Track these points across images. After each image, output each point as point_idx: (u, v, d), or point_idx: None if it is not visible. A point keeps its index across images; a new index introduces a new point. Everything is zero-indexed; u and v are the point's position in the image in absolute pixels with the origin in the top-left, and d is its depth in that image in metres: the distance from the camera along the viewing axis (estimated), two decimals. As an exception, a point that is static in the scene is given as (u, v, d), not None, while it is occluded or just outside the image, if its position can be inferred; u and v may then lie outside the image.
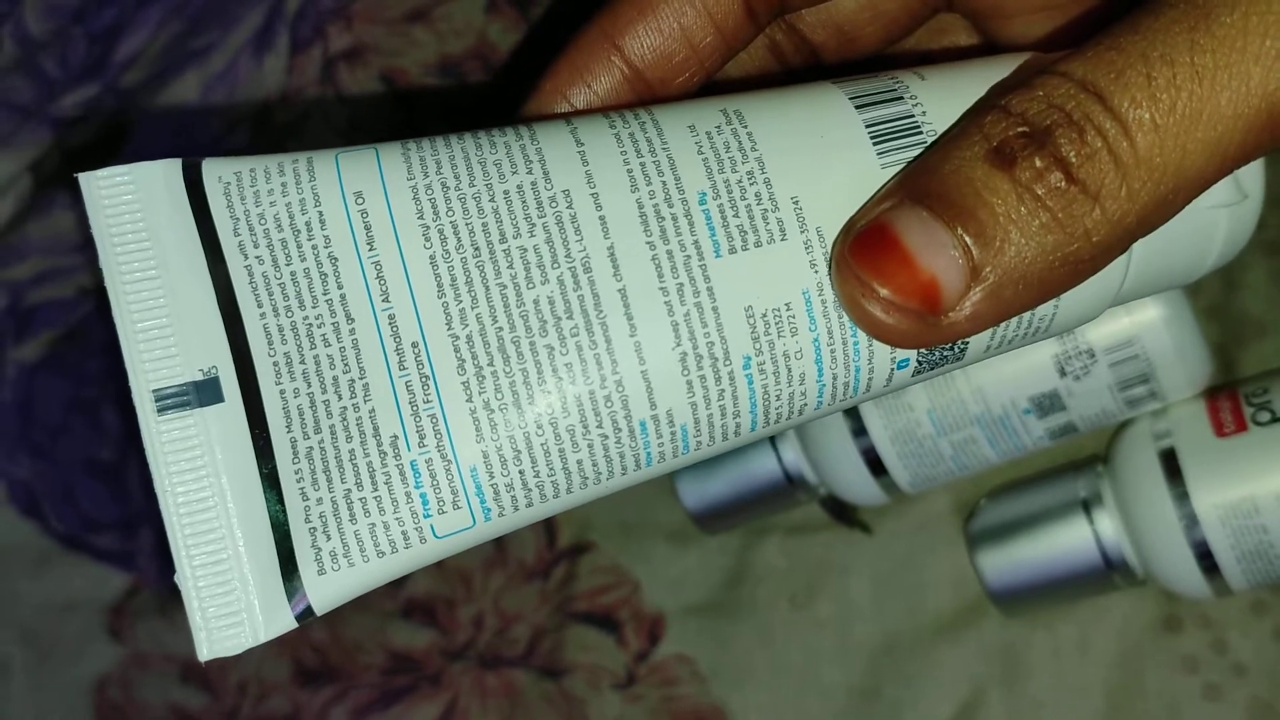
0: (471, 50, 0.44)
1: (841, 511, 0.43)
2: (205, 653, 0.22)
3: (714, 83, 0.27)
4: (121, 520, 0.46)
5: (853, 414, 0.38)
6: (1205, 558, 0.36)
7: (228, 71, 0.45)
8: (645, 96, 0.26)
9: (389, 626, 0.45)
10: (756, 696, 0.43)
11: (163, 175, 0.23)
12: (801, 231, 0.23)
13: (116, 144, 0.45)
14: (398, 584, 0.45)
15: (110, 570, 0.46)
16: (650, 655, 0.43)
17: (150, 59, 0.45)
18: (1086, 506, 0.38)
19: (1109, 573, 0.38)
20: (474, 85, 0.44)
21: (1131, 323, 0.36)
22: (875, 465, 0.39)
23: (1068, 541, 0.38)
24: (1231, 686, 0.39)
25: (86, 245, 0.45)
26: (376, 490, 0.22)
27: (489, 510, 0.23)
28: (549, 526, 0.44)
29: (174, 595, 0.45)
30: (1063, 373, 0.36)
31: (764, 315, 0.23)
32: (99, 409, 0.46)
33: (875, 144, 0.23)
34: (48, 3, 0.45)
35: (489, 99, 0.44)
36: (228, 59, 0.45)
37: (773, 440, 0.41)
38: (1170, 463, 0.36)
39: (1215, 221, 0.26)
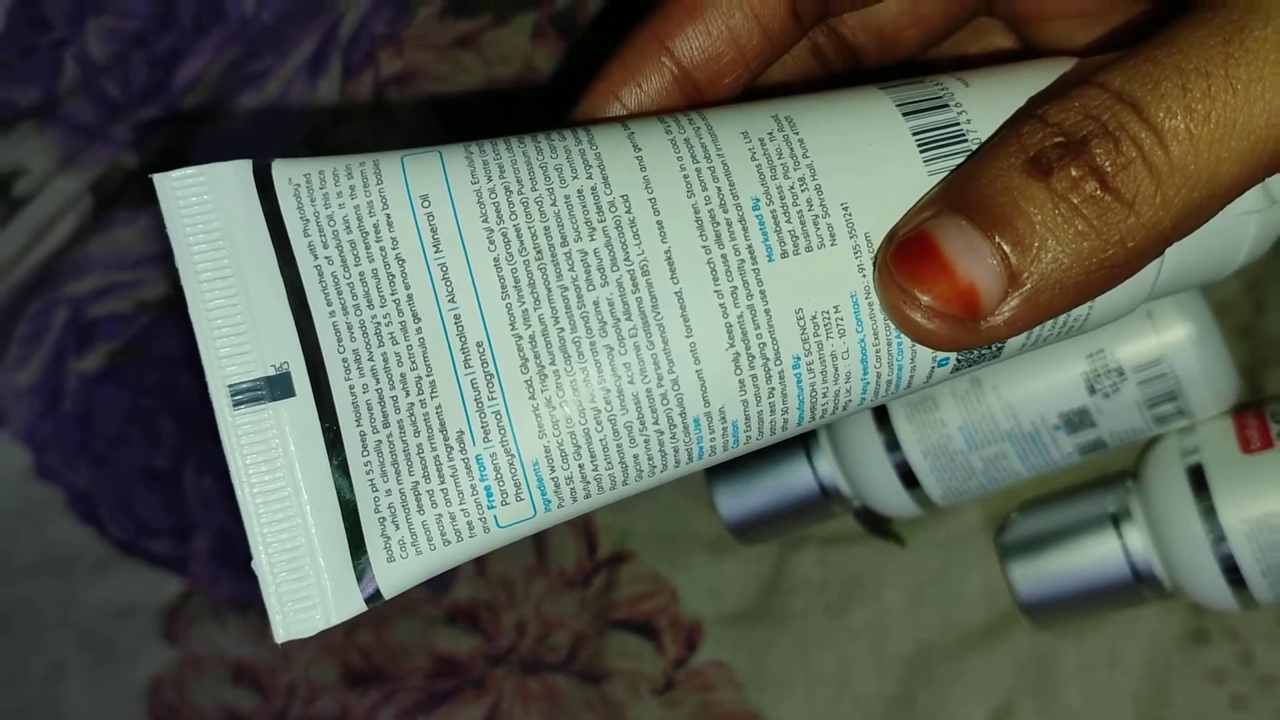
0: (518, 76, 0.46)
1: (876, 523, 0.44)
2: (281, 634, 0.23)
3: (758, 85, 0.28)
4: (176, 526, 0.47)
5: (886, 428, 0.39)
6: (1232, 571, 0.36)
7: (282, 95, 0.46)
8: (694, 97, 0.27)
9: (434, 631, 0.46)
10: (792, 703, 0.44)
11: (234, 176, 0.23)
12: (851, 237, 0.24)
13: (175, 164, 0.46)
14: (442, 590, 0.46)
15: (165, 575, 0.47)
16: (688, 662, 0.44)
17: (208, 83, 0.46)
18: (1116, 521, 0.38)
19: (1138, 586, 0.38)
20: (520, 109, 0.46)
21: (1160, 342, 0.37)
22: (908, 478, 0.40)
23: (1097, 555, 0.38)
24: (1258, 697, 0.40)
25: (150, 259, 0.47)
26: (444, 483, 0.23)
27: (549, 501, 0.24)
28: (589, 536, 0.45)
29: (229, 601, 0.47)
30: (1092, 390, 0.37)
31: (813, 317, 0.23)
32: (155, 419, 0.47)
33: (922, 151, 0.24)
34: (109, 28, 0.47)
35: (535, 122, 0.45)
36: (283, 83, 0.46)
37: (808, 453, 0.41)
38: (1198, 478, 0.37)
39: (1245, 225, 0.27)
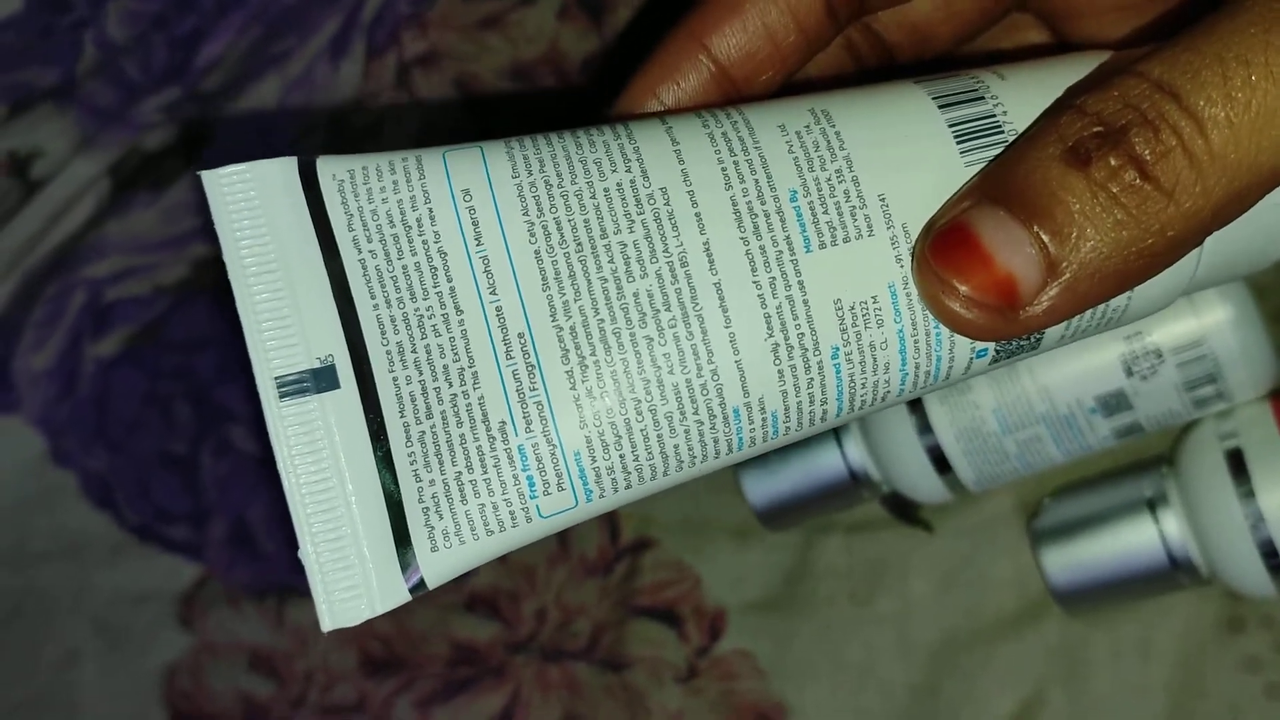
0: (543, 56, 0.45)
1: (904, 510, 0.43)
2: (328, 623, 0.23)
3: (793, 81, 0.28)
4: (193, 512, 0.47)
5: (918, 411, 0.39)
6: (1271, 556, 0.36)
7: (305, 77, 0.46)
8: (730, 94, 0.27)
9: (453, 619, 0.45)
10: (816, 692, 0.43)
11: (280, 172, 0.24)
12: (888, 228, 0.24)
13: (195, 147, 0.46)
14: (462, 578, 0.45)
15: (181, 561, 0.47)
16: (711, 650, 0.44)
17: (230, 64, 0.46)
18: (1152, 506, 0.38)
19: (1174, 572, 0.38)
20: (546, 91, 0.45)
21: (1199, 324, 0.36)
22: (940, 462, 0.39)
23: (1133, 541, 0.38)
24: (1293, 686, 0.40)
25: (168, 242, 0.47)
26: (486, 473, 0.23)
27: (591, 492, 0.24)
28: (612, 523, 0.45)
29: (245, 587, 0.46)
30: (1129, 372, 0.37)
31: (852, 308, 0.24)
32: (172, 403, 0.47)
33: (959, 143, 0.24)
34: (129, 9, 0.47)
35: (560, 105, 0.45)
36: (305, 64, 0.46)
37: (838, 437, 0.41)
38: (1236, 462, 0.37)
39: None
